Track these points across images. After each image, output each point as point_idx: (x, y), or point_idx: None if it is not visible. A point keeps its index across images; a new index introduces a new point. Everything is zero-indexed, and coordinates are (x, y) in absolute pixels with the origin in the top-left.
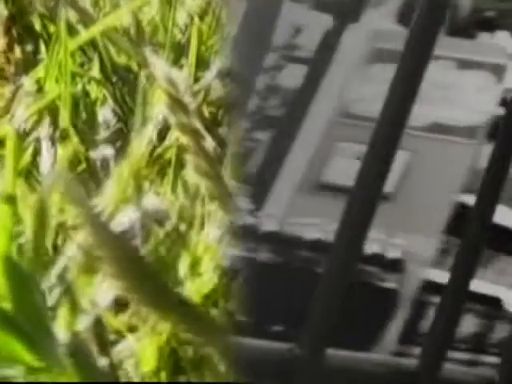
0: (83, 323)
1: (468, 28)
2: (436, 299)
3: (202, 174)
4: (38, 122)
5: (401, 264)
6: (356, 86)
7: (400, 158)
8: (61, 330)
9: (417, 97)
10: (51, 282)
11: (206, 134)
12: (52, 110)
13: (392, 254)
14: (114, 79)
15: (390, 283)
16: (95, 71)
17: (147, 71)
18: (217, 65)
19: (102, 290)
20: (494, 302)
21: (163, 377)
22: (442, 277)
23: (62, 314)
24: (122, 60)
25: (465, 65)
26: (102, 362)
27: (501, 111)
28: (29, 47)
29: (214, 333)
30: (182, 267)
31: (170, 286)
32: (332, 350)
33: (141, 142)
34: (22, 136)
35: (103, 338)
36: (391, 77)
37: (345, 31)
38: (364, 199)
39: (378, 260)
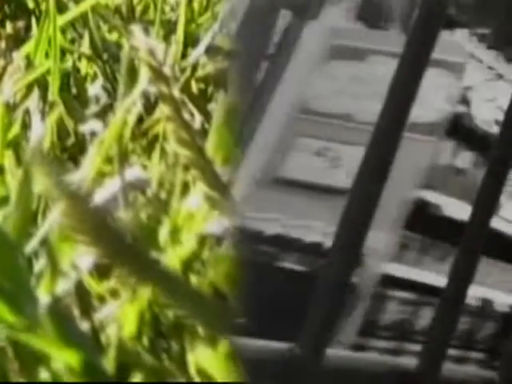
0: (64, 286)
1: None
2: (394, 293)
3: (182, 143)
4: (27, 96)
5: (360, 258)
6: (315, 83)
7: (359, 154)
8: (43, 294)
9: (379, 94)
10: (34, 247)
11: (191, 105)
12: (42, 85)
13: None
14: (105, 56)
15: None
16: (85, 48)
17: (131, 44)
18: (205, 42)
19: (83, 253)
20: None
21: (144, 341)
22: (400, 271)
23: (44, 277)
24: (113, 37)
25: None
26: (84, 325)
27: (460, 109)
28: (20, 24)
29: (193, 299)
30: (163, 234)
31: (150, 255)
32: (332, 350)
33: (123, 112)
34: (12, 109)
35: (85, 302)
36: (350, 73)
37: (304, 28)
38: (364, 201)
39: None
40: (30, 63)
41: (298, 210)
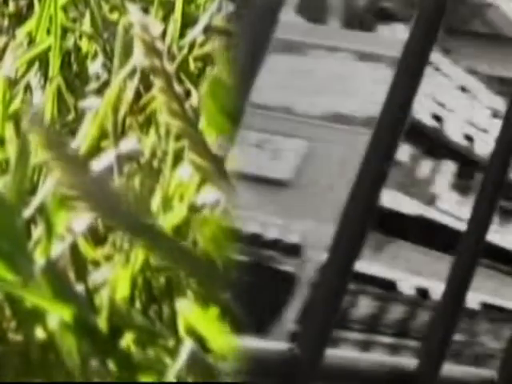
0: (60, 249)
1: (366, 20)
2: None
3: (173, 114)
4: (28, 72)
5: (299, 249)
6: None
7: (299, 146)
8: (40, 256)
9: (319, 88)
10: (31, 211)
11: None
12: (44, 62)
13: (290, 238)
14: (105, 35)
15: (288, 267)
16: (87, 26)
17: (126, 19)
18: (203, 22)
19: (78, 217)
20: (389, 285)
21: (137, 305)
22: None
23: (41, 240)
24: (113, 16)
25: (363, 57)
26: (79, 288)
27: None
28: (23, 2)
29: (187, 258)
30: (155, 201)
31: (145, 218)
32: (332, 350)
33: (117, 84)
34: (13, 84)
35: (80, 265)
36: (290, 67)
37: None
38: (363, 203)
39: (277, 245)
40: (31, 40)
41: (238, 201)
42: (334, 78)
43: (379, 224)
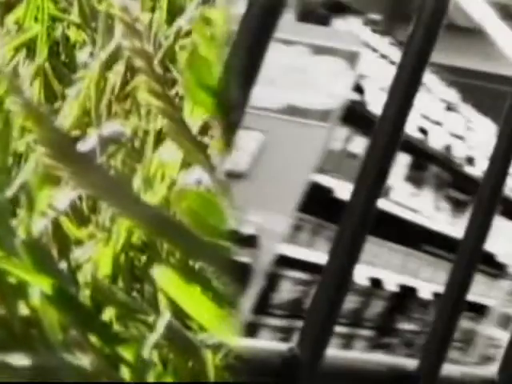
0: (42, 224)
1: (321, 14)
2: (288, 272)
3: (153, 93)
4: (15, 58)
5: (255, 239)
6: None
7: (254, 138)
8: (22, 231)
9: (274, 81)
10: (14, 189)
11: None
12: (32, 49)
13: (246, 230)
14: (93, 24)
15: (244, 257)
16: (75, 16)
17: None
18: (190, 11)
19: (60, 195)
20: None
21: (120, 283)
22: (294, 252)
23: (23, 217)
24: (101, 7)
25: (319, 50)
26: (62, 265)
27: (354, 96)
28: None
29: (173, 228)
30: (137, 180)
31: (131, 189)
32: (332, 350)
33: (99, 64)
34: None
35: (63, 243)
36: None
37: None
38: (362, 206)
39: (233, 236)
40: (20, 28)
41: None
42: (289, 72)
43: (334, 216)
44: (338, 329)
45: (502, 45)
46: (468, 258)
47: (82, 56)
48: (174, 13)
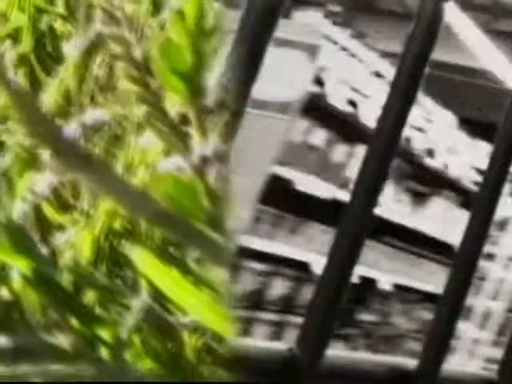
0: (22, 209)
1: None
2: (249, 264)
3: (131, 80)
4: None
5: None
6: None
7: None
8: (2, 215)
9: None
10: None
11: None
12: (18, 41)
13: None
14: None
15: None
16: (60, 7)
17: None
18: (174, 2)
19: (41, 178)
20: (302, 267)
21: (102, 269)
22: (254, 243)
23: (3, 201)
24: None
25: (279, 43)
26: (43, 250)
27: (314, 89)
28: None
29: (153, 210)
30: (118, 166)
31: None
32: (332, 350)
33: (79, 51)
34: None
35: (45, 228)
36: None
37: None
38: (360, 210)
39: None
40: (5, 18)
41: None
42: None
43: (294, 207)
44: (297, 319)
45: (462, 35)
46: (466, 259)
47: (67, 47)
48: (158, 5)
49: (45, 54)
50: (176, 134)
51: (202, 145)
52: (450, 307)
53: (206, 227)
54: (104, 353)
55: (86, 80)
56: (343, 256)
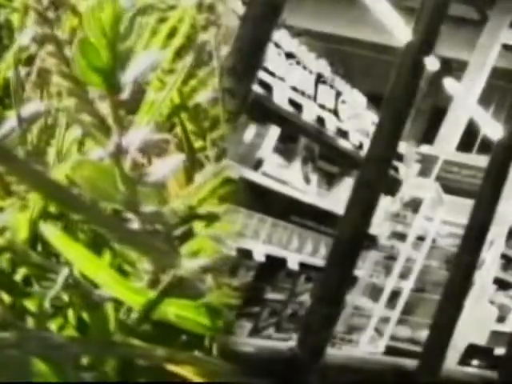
0: None
1: None
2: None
3: (62, 75)
4: None
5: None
6: None
7: None
8: None
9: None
10: None
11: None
12: None
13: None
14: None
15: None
16: (18, 2)
17: None
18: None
19: None
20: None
21: (39, 248)
22: None
23: None
24: None
25: None
26: None
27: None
28: None
29: (78, 205)
30: (51, 155)
31: (40, 170)
32: (332, 350)
33: (14, 48)
34: None
35: None
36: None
37: None
38: (358, 215)
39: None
40: None
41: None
42: None
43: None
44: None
45: (376, 11)
46: (467, 257)
47: (23, 39)
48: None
49: (2, 47)
50: (100, 125)
51: (118, 135)
52: (449, 307)
53: (120, 208)
54: (30, 323)
55: (21, 77)
56: (341, 255)
